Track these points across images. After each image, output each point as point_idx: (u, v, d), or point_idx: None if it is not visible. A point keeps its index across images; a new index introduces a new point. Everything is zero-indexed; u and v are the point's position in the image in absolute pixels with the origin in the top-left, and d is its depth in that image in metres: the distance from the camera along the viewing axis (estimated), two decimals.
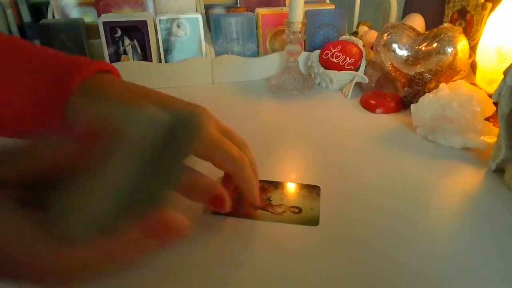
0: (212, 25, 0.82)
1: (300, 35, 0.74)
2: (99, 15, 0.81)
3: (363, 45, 0.79)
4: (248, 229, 0.40)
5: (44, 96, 0.36)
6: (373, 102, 0.69)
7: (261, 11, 0.84)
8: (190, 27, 0.79)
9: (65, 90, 0.35)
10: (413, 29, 0.67)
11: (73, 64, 0.37)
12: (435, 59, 0.62)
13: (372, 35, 0.85)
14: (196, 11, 0.87)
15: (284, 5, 0.92)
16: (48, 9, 0.82)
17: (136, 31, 0.77)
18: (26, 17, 1.24)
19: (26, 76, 0.36)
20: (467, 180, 0.49)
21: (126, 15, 0.79)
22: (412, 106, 0.59)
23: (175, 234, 0.26)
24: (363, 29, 0.91)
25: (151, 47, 0.78)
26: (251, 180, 0.38)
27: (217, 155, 0.36)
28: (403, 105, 0.69)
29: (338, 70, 0.77)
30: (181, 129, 0.22)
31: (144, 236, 0.25)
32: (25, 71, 0.36)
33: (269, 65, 0.85)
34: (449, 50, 0.61)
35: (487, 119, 0.56)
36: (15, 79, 0.36)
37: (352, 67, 0.77)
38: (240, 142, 0.40)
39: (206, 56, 0.82)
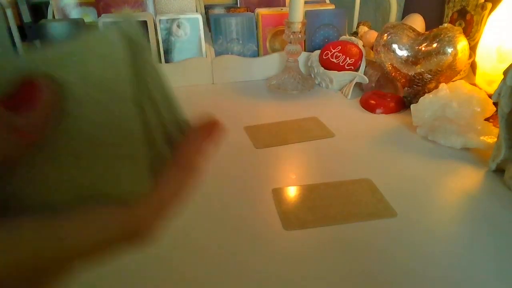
0: (212, 25, 0.82)
1: (300, 35, 0.74)
2: (99, 15, 0.81)
3: (363, 45, 0.79)
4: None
5: None
6: (373, 102, 0.69)
7: (261, 11, 0.84)
8: (190, 27, 0.79)
9: None
10: (413, 29, 0.67)
11: None
12: (435, 59, 0.62)
13: (372, 35, 0.84)
14: (196, 11, 0.87)
15: (284, 5, 0.92)
16: (48, 9, 0.82)
17: None
18: (26, 17, 1.24)
19: None
20: (467, 180, 0.49)
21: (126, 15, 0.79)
22: (412, 106, 0.59)
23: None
24: (363, 29, 0.91)
25: (151, 47, 0.78)
26: None
27: None
28: (403, 105, 0.69)
29: (338, 70, 0.77)
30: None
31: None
32: None
33: (269, 65, 0.85)
34: (449, 50, 0.61)
35: (487, 119, 0.56)
36: None
37: (352, 67, 0.77)
38: None
39: (206, 56, 0.82)
